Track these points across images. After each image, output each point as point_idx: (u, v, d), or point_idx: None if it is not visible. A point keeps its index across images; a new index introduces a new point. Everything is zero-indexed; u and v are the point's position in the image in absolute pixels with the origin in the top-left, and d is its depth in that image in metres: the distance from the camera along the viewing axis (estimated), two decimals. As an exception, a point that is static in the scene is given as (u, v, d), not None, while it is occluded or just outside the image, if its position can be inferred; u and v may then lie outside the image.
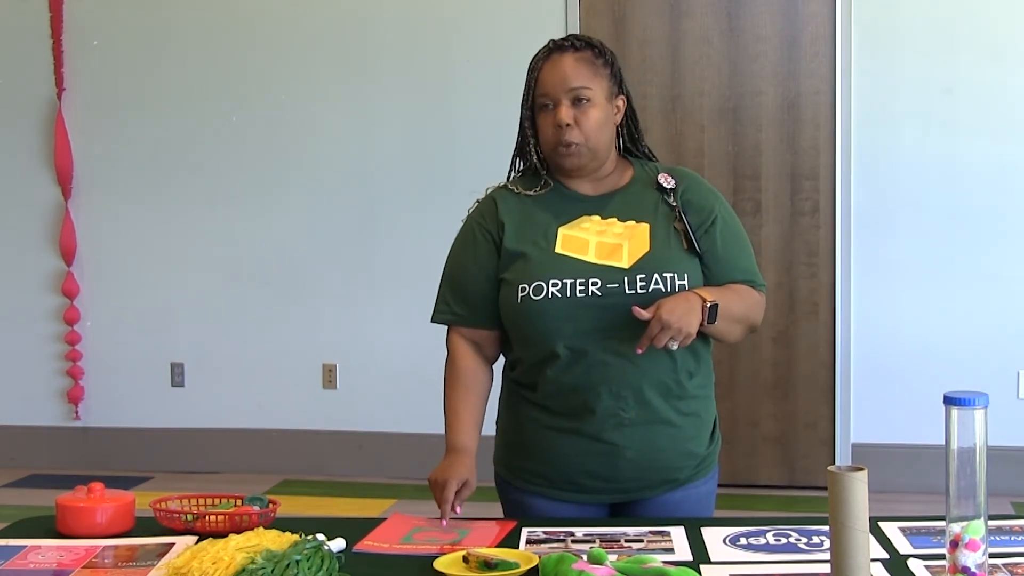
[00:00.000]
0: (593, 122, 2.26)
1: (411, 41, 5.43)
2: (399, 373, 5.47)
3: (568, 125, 2.24)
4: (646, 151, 2.44)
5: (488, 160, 5.12)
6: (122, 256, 5.76)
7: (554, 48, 2.30)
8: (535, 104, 2.29)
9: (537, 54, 2.32)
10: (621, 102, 2.34)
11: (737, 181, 5.20)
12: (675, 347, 2.12)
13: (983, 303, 5.05)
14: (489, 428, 2.40)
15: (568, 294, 2.18)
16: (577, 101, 2.25)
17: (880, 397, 5.14)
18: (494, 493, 2.41)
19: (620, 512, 2.30)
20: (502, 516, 2.31)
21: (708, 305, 2.15)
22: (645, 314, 2.10)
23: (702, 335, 2.23)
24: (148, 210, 5.71)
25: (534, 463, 2.29)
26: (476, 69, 5.38)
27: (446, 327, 2.37)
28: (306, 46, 5.53)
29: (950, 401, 1.60)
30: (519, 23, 5.31)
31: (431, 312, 2.38)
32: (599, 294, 2.18)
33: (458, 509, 2.20)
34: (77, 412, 5.82)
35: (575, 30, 5.19)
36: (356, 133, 5.52)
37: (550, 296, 2.19)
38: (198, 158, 5.65)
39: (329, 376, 5.61)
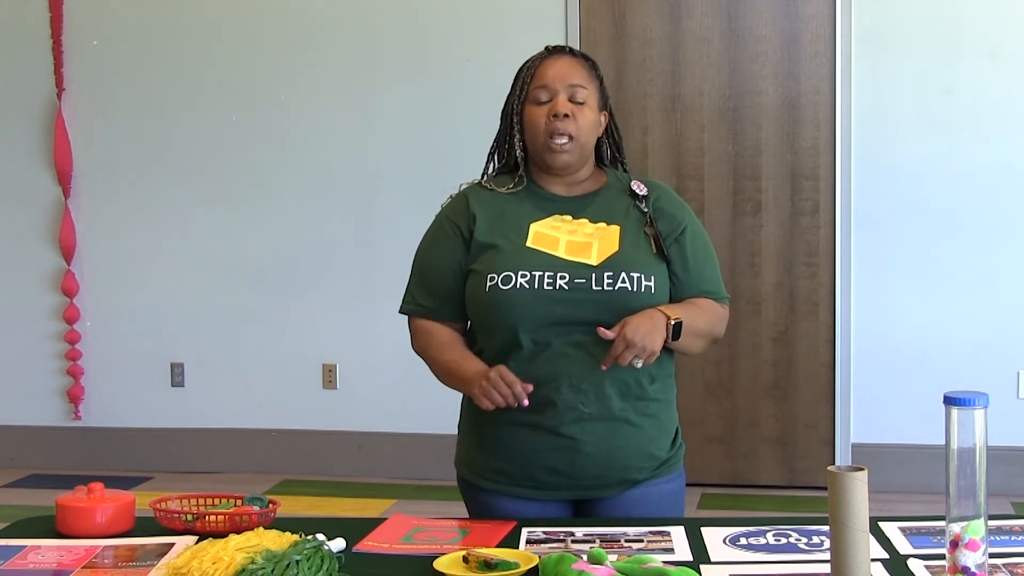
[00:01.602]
0: (586, 121, 2.31)
1: (410, 41, 5.43)
2: (399, 373, 5.45)
3: (566, 116, 2.27)
4: (624, 168, 2.46)
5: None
6: (122, 255, 5.76)
7: (553, 50, 2.37)
8: (527, 98, 2.33)
9: (532, 57, 2.37)
10: (604, 117, 2.38)
11: (737, 181, 5.20)
12: (639, 365, 2.15)
13: (983, 303, 5.05)
14: (451, 429, 2.41)
15: (536, 286, 2.21)
16: (574, 98, 2.30)
17: (880, 397, 5.14)
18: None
19: (582, 511, 2.31)
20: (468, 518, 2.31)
21: (672, 323, 2.19)
22: (610, 334, 2.13)
23: (665, 347, 2.26)
24: (148, 209, 5.71)
25: (494, 460, 2.30)
26: (476, 69, 5.37)
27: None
28: (306, 46, 5.53)
29: (950, 401, 1.60)
30: (519, 23, 5.31)
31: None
32: (566, 288, 2.21)
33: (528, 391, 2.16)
34: (77, 412, 5.82)
35: (575, 30, 5.21)
36: (356, 133, 5.52)
37: (518, 286, 2.21)
38: (198, 158, 5.66)
39: (329, 376, 5.61)
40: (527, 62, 2.36)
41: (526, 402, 2.17)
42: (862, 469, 1.56)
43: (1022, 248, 5.04)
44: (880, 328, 5.13)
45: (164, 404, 5.76)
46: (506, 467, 2.27)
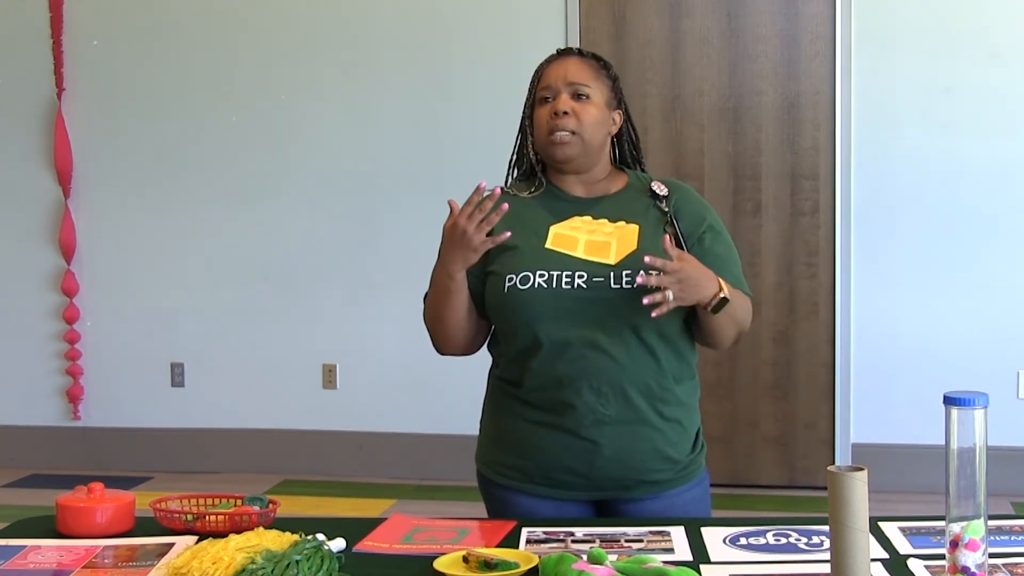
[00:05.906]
0: (589, 117, 2.30)
1: (411, 41, 5.44)
2: (399, 373, 5.47)
3: (565, 113, 2.28)
4: (643, 168, 2.45)
5: (488, 160, 5.13)
6: (122, 255, 5.76)
7: (561, 52, 2.39)
8: (535, 100, 2.35)
9: (544, 60, 2.39)
10: (618, 116, 2.39)
11: (737, 181, 5.20)
12: (662, 304, 2.07)
13: (983, 303, 5.05)
14: (473, 428, 2.41)
15: (554, 285, 2.21)
16: (577, 96, 2.30)
17: (880, 397, 5.14)
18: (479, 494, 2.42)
19: (604, 513, 2.29)
20: (486, 516, 2.32)
21: (721, 296, 2.15)
22: (658, 262, 2.07)
23: (690, 343, 2.28)
24: (148, 209, 5.71)
25: (512, 457, 2.30)
26: (476, 70, 5.38)
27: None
28: (306, 46, 5.53)
29: (950, 401, 1.60)
30: (519, 23, 5.31)
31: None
32: (584, 287, 2.20)
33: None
34: (77, 412, 5.82)
35: (575, 30, 5.21)
36: (356, 133, 5.53)
37: (536, 286, 2.21)
38: (198, 158, 5.66)
39: (329, 376, 5.61)
40: (537, 67, 2.38)
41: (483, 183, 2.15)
42: (862, 469, 1.55)
43: (1022, 248, 5.04)
44: (880, 328, 5.13)
45: (164, 404, 5.76)
46: (524, 464, 2.27)
